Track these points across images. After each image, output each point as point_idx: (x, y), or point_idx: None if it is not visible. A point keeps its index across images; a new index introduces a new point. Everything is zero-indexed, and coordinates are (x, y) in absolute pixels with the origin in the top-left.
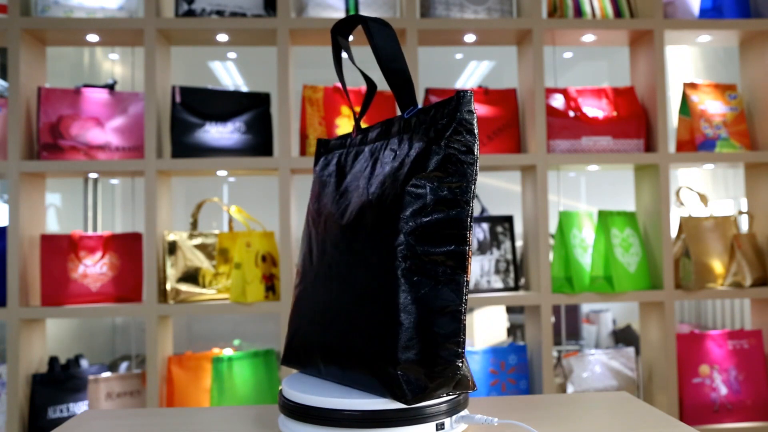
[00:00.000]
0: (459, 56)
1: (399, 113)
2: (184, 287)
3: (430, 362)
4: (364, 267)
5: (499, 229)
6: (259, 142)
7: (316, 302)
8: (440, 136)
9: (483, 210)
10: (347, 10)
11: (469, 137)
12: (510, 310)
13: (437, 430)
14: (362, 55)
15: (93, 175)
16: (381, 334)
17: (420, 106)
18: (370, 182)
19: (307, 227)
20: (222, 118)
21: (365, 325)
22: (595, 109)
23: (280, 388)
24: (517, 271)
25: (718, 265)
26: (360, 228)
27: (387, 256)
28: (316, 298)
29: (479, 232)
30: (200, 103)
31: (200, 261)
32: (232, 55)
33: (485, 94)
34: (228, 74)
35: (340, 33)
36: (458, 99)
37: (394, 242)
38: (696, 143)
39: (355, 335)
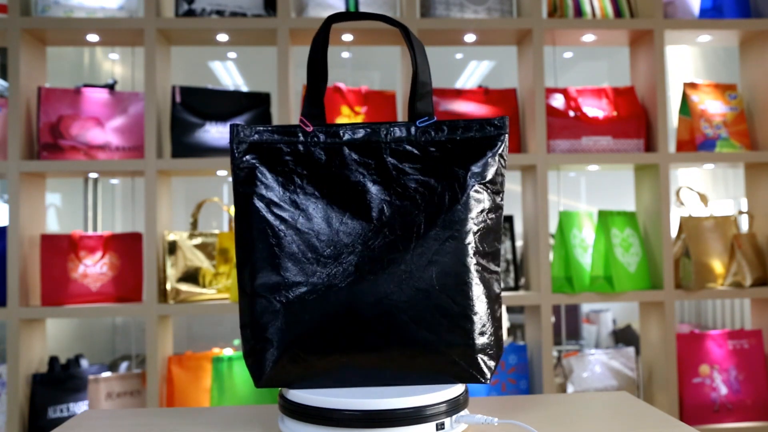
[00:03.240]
0: (459, 56)
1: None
2: (184, 287)
3: (495, 344)
4: (427, 264)
5: None
6: None
7: (338, 306)
8: (495, 152)
9: None
10: (347, 10)
11: (506, 154)
12: (510, 309)
13: (437, 430)
14: (363, 56)
15: (93, 175)
16: (458, 324)
17: (435, 118)
18: (410, 183)
19: (278, 224)
20: (222, 118)
21: (434, 318)
22: (595, 109)
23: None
24: (517, 271)
25: (718, 265)
26: (407, 227)
27: (458, 253)
28: (336, 301)
29: None
30: (200, 103)
31: (200, 261)
32: (232, 55)
33: (485, 94)
34: (228, 74)
35: (335, 22)
36: (506, 122)
37: (465, 240)
38: (696, 143)
39: (420, 329)
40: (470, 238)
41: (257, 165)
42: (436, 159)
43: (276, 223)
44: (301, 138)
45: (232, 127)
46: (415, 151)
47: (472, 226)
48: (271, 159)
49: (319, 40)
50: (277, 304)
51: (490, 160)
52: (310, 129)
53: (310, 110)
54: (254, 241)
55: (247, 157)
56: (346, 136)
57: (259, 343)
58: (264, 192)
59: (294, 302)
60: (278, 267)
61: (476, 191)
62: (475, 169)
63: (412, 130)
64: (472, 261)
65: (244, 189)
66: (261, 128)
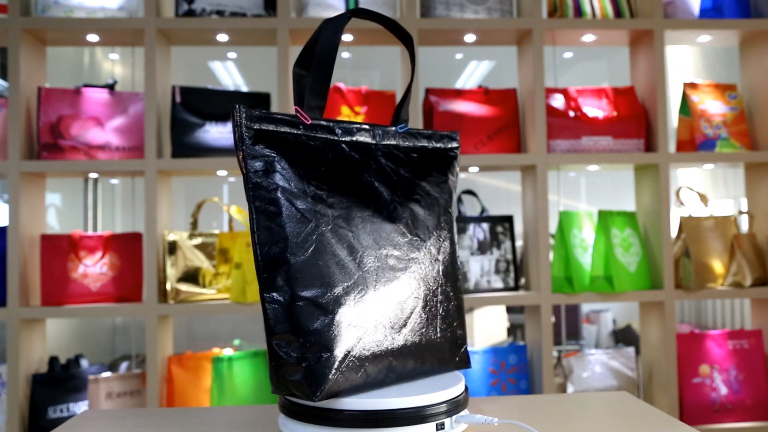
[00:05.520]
0: (459, 56)
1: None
2: (184, 287)
3: (465, 333)
4: (434, 261)
5: (499, 229)
6: None
7: (380, 305)
8: (457, 162)
9: (483, 210)
10: (347, 9)
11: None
12: (510, 310)
13: (437, 430)
14: (363, 56)
15: (93, 175)
16: (455, 317)
17: (409, 124)
18: (410, 185)
19: (314, 221)
20: (222, 117)
21: (439, 312)
22: (595, 109)
23: None
24: (517, 271)
25: (718, 265)
26: (418, 227)
27: (453, 251)
28: (380, 301)
29: (479, 232)
30: (200, 103)
31: (200, 261)
32: (232, 55)
33: (485, 94)
34: (228, 74)
35: (356, 17)
36: (458, 137)
37: (455, 239)
38: (696, 143)
39: (435, 323)
40: (456, 238)
41: (275, 155)
42: (420, 164)
43: (311, 220)
44: (306, 131)
45: (235, 108)
46: (401, 155)
47: (454, 227)
48: (288, 149)
49: (340, 28)
50: (327, 310)
51: (456, 169)
52: (308, 122)
53: (310, 102)
54: (287, 241)
55: (260, 145)
56: (343, 135)
57: (309, 354)
58: (289, 186)
59: (343, 305)
60: (322, 268)
61: (456, 196)
62: (451, 176)
63: (395, 134)
64: (457, 258)
65: (265, 182)
66: (274, 115)
